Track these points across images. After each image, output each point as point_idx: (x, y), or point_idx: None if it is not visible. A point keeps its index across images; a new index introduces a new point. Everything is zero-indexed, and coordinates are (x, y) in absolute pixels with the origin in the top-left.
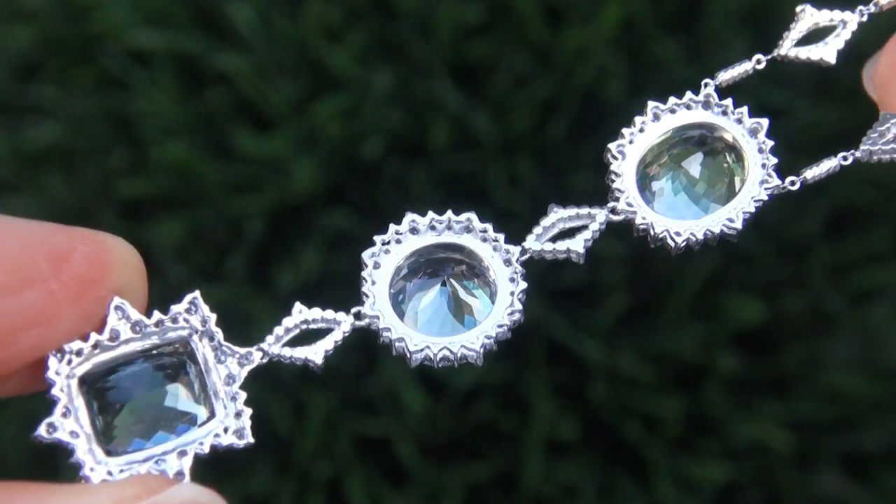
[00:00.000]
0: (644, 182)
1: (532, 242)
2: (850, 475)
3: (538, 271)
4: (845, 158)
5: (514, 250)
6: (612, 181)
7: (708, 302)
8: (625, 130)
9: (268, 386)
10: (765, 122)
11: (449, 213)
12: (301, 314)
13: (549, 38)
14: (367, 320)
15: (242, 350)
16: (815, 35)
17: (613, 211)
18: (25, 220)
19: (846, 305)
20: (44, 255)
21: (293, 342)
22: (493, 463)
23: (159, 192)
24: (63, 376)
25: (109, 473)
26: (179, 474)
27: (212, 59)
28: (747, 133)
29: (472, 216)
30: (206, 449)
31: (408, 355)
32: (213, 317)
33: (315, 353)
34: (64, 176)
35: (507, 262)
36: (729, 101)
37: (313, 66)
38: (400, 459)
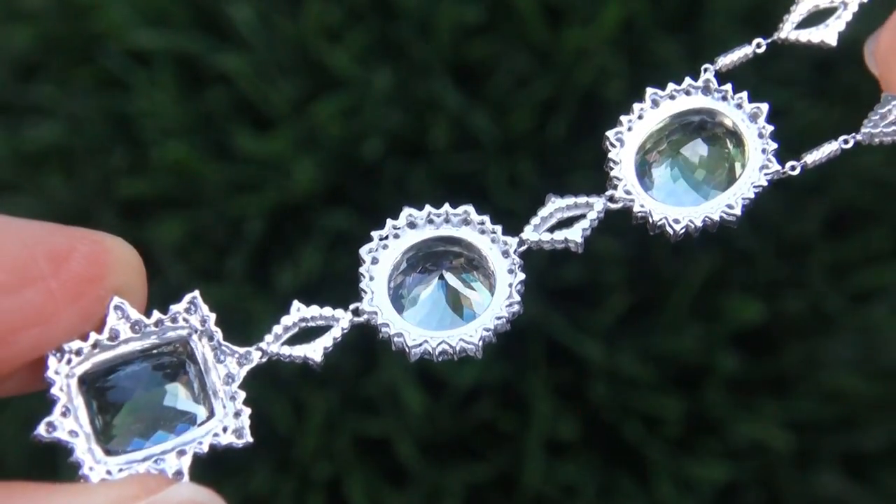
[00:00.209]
0: (643, 169)
1: (530, 233)
2: (850, 475)
3: (538, 271)
4: (846, 142)
5: (512, 241)
6: (611, 169)
7: (708, 302)
8: (623, 118)
9: (268, 385)
10: (765, 106)
11: (446, 206)
12: (299, 312)
13: (549, 38)
14: (365, 316)
15: (241, 349)
16: (816, 17)
17: (611, 199)
18: (25, 220)
19: (846, 305)
20: (43, 255)
21: (292, 340)
22: (493, 463)
23: (159, 192)
24: (62, 376)
25: (108, 473)
26: (178, 474)
27: (212, 59)
28: (747, 118)
29: (470, 208)
30: (205, 448)
31: (407, 350)
32: (212, 316)
33: (314, 351)
34: (64, 176)
35: (506, 254)
36: (728, 87)
37: (313, 66)
38: (400, 459)
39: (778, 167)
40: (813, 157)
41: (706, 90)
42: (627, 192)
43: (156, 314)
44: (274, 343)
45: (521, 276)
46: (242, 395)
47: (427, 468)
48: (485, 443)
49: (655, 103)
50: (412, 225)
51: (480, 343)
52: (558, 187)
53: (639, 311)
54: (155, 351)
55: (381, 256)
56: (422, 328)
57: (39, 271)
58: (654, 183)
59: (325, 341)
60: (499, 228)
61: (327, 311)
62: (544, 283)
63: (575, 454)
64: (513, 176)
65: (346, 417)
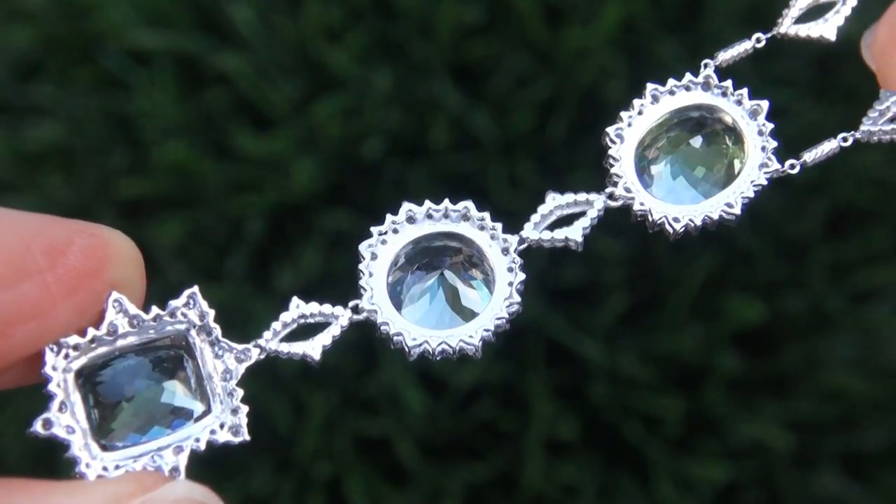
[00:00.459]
0: (643, 166)
1: (530, 231)
2: (850, 475)
3: (538, 270)
4: (845, 140)
5: (512, 240)
6: (611, 165)
7: (708, 302)
8: (623, 114)
9: (268, 385)
10: (765, 103)
11: (446, 202)
12: (298, 309)
13: (549, 38)
14: (364, 314)
15: (240, 346)
16: (815, 12)
17: (611, 196)
18: (22, 213)
19: (846, 305)
20: (40, 248)
21: (292, 337)
22: (493, 463)
23: (159, 192)
24: (60, 370)
25: (105, 469)
26: (175, 470)
27: (212, 59)
28: (747, 115)
29: (470, 204)
30: (203, 446)
31: (406, 349)
32: (211, 312)
33: (313, 349)
34: (64, 176)
35: (505, 252)
36: (729, 83)
37: (313, 66)
38: (400, 459)
39: (778, 166)
40: (812, 155)
41: (706, 86)
42: (627, 190)
43: (154, 309)
44: (273, 340)
45: (522, 275)
46: (240, 392)
47: (427, 468)
48: (485, 443)
49: (655, 99)
50: (411, 220)
51: (480, 344)
52: (558, 187)
53: (639, 311)
54: (153, 346)
55: (380, 252)
56: (420, 326)
57: (36, 264)
58: (653, 180)
59: (325, 339)
60: (499, 226)
61: (327, 308)
62: (544, 282)
63: (575, 454)
64: (513, 176)
65: (346, 417)
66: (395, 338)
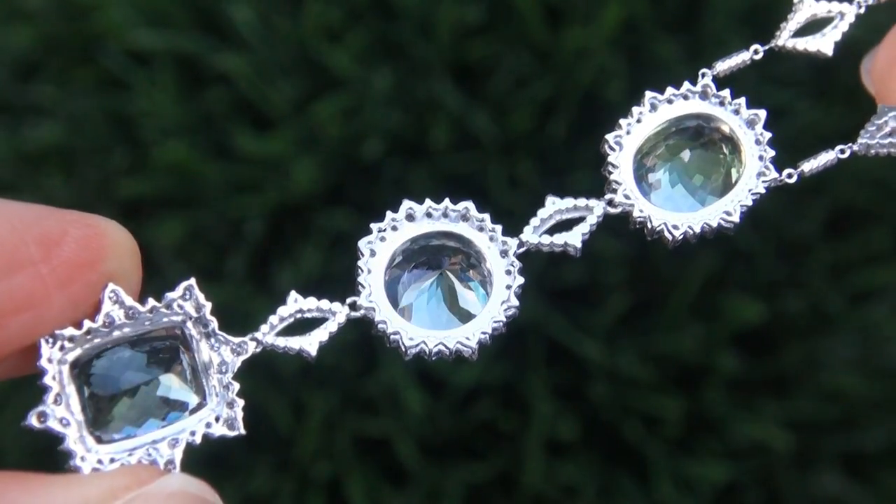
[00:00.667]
0: (641, 173)
1: (529, 235)
2: (850, 475)
3: (538, 271)
4: (843, 152)
5: (512, 243)
6: (610, 172)
7: (708, 302)
8: (622, 121)
9: (268, 385)
10: (762, 113)
11: (446, 201)
12: (296, 303)
13: (549, 38)
14: (362, 311)
15: (236, 339)
16: (813, 26)
17: (611, 203)
18: (17, 203)
19: (846, 305)
20: (34, 239)
21: (289, 332)
22: (493, 463)
23: (159, 192)
24: (55, 362)
25: (100, 462)
26: (170, 464)
27: (212, 59)
28: (744, 124)
29: (470, 205)
30: (199, 440)
31: (403, 349)
32: (208, 305)
33: (310, 344)
34: (64, 176)
35: (504, 254)
36: (726, 92)
37: (313, 66)
38: (400, 459)
39: (775, 174)
40: (810, 165)
41: (704, 95)
42: (626, 197)
43: (150, 301)
44: (269, 333)
45: (521, 279)
46: (236, 385)
47: (427, 468)
48: (485, 443)
49: (654, 107)
50: (410, 218)
51: (477, 346)
52: (558, 187)
53: (639, 311)
54: (148, 338)
55: (378, 249)
56: (417, 325)
57: (30, 256)
58: (651, 188)
59: (321, 335)
60: (498, 228)
61: (324, 303)
62: (544, 283)
63: (575, 454)
64: (513, 176)
65: (346, 417)
66: (391, 336)
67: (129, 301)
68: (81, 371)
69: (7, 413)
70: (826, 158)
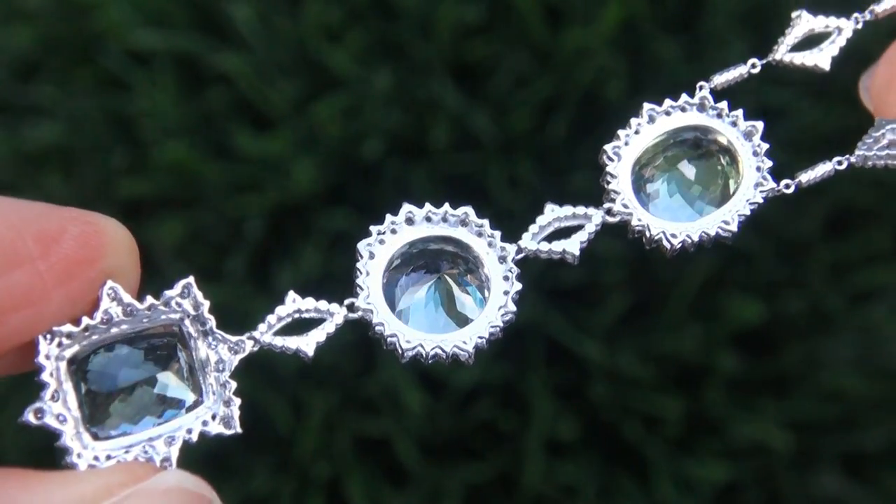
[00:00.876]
0: (639, 184)
1: (528, 241)
2: (850, 475)
3: (537, 271)
4: (840, 163)
5: (510, 249)
6: (608, 183)
7: (708, 302)
8: (620, 132)
9: (267, 385)
10: (760, 125)
11: (446, 206)
12: (294, 303)
13: (549, 38)
14: (360, 313)
15: (234, 338)
16: (811, 41)
17: (609, 212)
18: (15, 200)
19: (846, 305)
20: (32, 236)
21: (286, 332)
22: (493, 463)
23: (159, 192)
24: (52, 359)
25: (96, 459)
26: (167, 461)
27: (212, 59)
28: (742, 136)
29: (469, 210)
30: (195, 437)
31: (399, 351)
32: (206, 303)
33: (307, 344)
34: (64, 176)
35: (502, 259)
36: (724, 104)
37: (313, 66)
38: (400, 459)
39: (773, 185)
40: (807, 176)
41: (702, 107)
42: (625, 206)
43: (149, 299)
44: (267, 333)
45: (518, 285)
46: (233, 384)
47: (427, 468)
48: (485, 443)
49: (652, 119)
50: (410, 221)
51: (473, 350)
52: (558, 187)
53: (639, 311)
54: (146, 335)
55: (377, 251)
56: (414, 328)
57: (28, 252)
58: (650, 198)
59: (319, 335)
60: (497, 234)
61: (322, 304)
62: (544, 283)
63: (575, 454)
64: (513, 176)
65: (346, 417)
66: (388, 339)
67: (128, 298)
68: (79, 368)
69: (6, 413)
70: (823, 170)
